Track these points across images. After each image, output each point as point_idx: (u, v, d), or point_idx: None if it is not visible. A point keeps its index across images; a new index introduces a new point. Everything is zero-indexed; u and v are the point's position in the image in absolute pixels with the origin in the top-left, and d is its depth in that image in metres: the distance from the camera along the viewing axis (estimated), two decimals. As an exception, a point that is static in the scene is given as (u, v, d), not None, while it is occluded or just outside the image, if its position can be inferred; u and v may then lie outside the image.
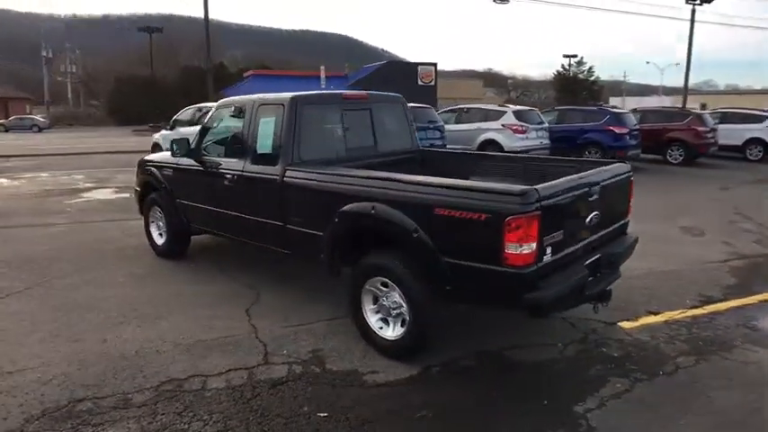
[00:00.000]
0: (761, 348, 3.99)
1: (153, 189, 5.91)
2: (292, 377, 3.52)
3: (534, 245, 3.03)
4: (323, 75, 23.35)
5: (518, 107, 14.83)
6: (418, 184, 3.46)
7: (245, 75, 51.08)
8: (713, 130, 15.53)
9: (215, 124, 5.22)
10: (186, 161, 5.27)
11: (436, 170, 4.97)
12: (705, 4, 23.09)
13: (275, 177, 4.30)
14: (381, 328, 3.79)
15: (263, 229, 4.53)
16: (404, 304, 3.60)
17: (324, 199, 3.96)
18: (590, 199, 3.56)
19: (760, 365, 3.74)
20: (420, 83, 45.10)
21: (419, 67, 46.03)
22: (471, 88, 56.66)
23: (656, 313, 4.62)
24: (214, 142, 5.14)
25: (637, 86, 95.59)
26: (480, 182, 3.58)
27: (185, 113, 12.48)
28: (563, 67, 67.36)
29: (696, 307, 4.79)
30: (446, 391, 3.39)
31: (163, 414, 3.08)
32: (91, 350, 3.83)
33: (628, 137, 14.33)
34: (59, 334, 4.08)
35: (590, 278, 3.50)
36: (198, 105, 12.45)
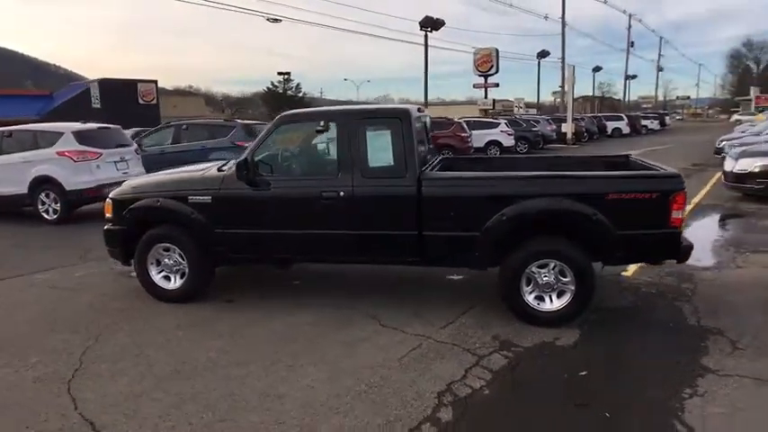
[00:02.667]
0: (703, 272, 6.01)
1: (160, 222, 5.03)
2: (516, 360, 3.92)
3: (683, 211, 4.22)
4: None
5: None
6: (592, 177, 4.29)
7: None
8: (470, 135, 19.39)
9: (276, 143, 4.83)
10: (237, 185, 4.73)
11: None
12: (434, 31, 28.14)
13: (409, 188, 4.44)
14: (539, 303, 4.43)
15: (386, 241, 4.57)
16: (563, 279, 4.35)
17: (485, 202, 4.36)
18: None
19: (720, 278, 5.70)
20: (141, 101, 41.83)
21: (139, 85, 42.52)
22: (195, 106, 54.91)
23: (625, 264, 6.31)
24: (280, 161, 4.79)
25: (333, 102, 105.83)
26: (642, 171, 4.57)
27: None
28: (272, 84, 71.14)
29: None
30: (614, 339, 4.29)
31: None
32: (313, 400, 3.42)
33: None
34: (244, 399, 3.44)
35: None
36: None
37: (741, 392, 3.39)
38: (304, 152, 4.95)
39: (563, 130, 27.15)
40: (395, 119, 4.58)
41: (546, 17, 38.12)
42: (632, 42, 48.45)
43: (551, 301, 4.43)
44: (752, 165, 9.76)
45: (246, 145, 12.11)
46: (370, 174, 4.55)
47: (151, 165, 9.98)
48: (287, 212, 4.75)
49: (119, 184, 9.20)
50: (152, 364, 3.91)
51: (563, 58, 38.13)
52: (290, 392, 3.48)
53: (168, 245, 5.03)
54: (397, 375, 3.68)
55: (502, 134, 21.45)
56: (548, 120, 26.64)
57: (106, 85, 40.50)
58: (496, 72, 33.57)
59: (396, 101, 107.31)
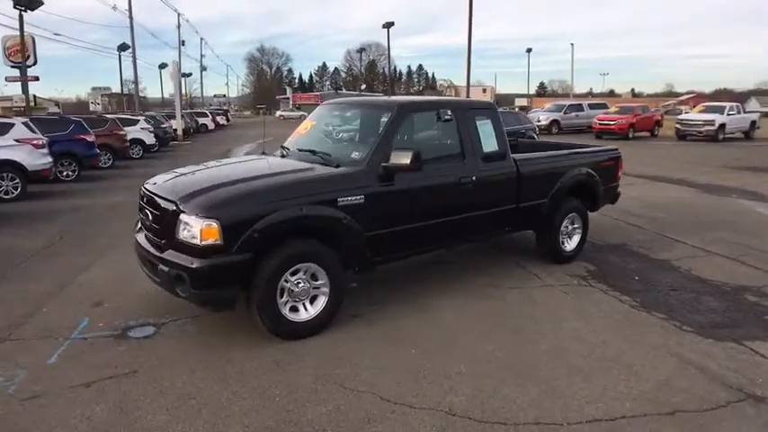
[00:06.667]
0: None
1: (286, 238, 3.92)
2: (607, 279, 5.48)
3: (622, 170, 6.66)
4: None
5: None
6: (598, 152, 6.17)
7: None
8: (126, 133, 17.28)
9: (400, 134, 4.53)
10: (381, 180, 4.30)
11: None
12: (29, 11, 21.58)
13: (513, 169, 5.20)
14: (564, 246, 6.07)
15: (497, 216, 5.19)
16: (575, 226, 6.14)
17: (553, 175, 5.60)
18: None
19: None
20: None
21: None
22: None
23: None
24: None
25: None
26: (605, 146, 6.50)
27: None
28: None
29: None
30: (608, 259, 6.34)
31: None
32: (625, 347, 4.14)
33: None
34: (590, 369, 3.81)
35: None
36: None
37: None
38: (428, 140, 4.80)
39: (173, 126, 26.85)
40: (491, 109, 5.21)
41: (114, 8, 35.22)
42: (183, 41, 49.96)
43: (569, 243, 6.13)
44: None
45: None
46: (486, 158, 5.03)
47: None
48: (434, 202, 4.69)
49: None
50: (482, 380, 3.54)
51: (134, 53, 36.34)
52: (611, 338, 4.09)
53: (300, 265, 3.97)
54: (608, 308, 4.71)
55: (143, 131, 19.74)
56: (165, 117, 25.74)
57: None
58: (35, 63, 28.15)
59: None
